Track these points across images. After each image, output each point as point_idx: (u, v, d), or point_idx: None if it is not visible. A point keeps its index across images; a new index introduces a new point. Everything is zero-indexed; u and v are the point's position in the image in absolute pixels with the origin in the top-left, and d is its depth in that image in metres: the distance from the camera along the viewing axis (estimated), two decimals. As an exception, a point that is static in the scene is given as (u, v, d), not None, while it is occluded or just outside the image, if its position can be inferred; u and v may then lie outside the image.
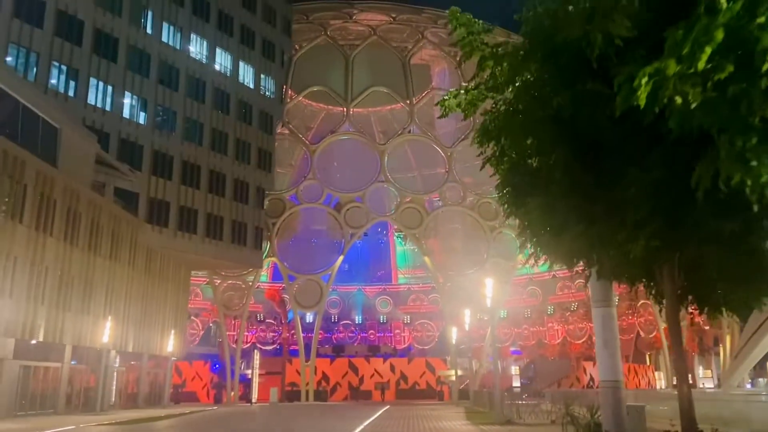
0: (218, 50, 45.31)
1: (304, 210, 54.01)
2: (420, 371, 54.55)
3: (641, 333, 54.26)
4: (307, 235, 56.73)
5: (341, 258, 53.01)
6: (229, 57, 46.09)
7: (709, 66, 4.22)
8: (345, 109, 56.27)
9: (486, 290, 21.28)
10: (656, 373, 57.06)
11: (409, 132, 57.18)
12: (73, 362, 30.59)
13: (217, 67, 44.93)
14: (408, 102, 57.40)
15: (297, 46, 56.39)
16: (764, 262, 6.77)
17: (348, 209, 53.33)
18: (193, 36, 43.46)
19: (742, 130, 4.53)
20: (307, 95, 57.36)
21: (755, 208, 4.84)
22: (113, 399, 34.35)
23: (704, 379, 54.69)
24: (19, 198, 25.75)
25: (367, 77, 57.71)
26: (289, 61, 54.82)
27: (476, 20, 7.54)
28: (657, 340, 53.25)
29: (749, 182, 4.72)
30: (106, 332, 30.67)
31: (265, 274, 57.05)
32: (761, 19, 4.03)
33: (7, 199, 24.83)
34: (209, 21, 44.74)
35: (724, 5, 3.99)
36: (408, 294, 64.38)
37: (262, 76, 48.93)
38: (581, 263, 8.26)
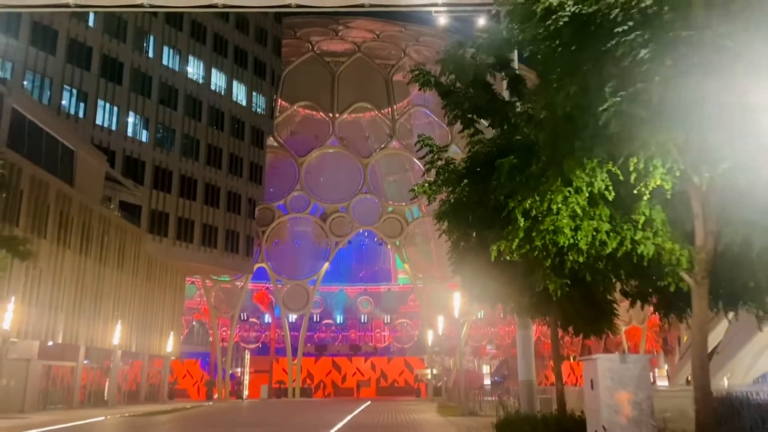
0: (214, 71, 48.63)
1: (292, 219, 57.52)
2: (399, 370, 58.38)
3: (610, 335, 58.65)
4: (295, 243, 60.21)
5: (327, 264, 56.63)
6: (224, 77, 49.43)
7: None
8: (331, 123, 59.83)
9: (454, 303, 25.14)
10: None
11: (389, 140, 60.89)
12: (85, 362, 33.87)
13: (212, 86, 48.24)
14: (390, 118, 61.14)
15: (286, 61, 59.80)
16: (603, 310, 10.65)
17: (333, 218, 57.00)
18: (190, 58, 46.73)
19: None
20: (296, 101, 60.68)
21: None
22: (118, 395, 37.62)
23: (660, 377, 59.23)
24: (43, 216, 29.03)
25: (353, 92, 61.31)
26: (278, 78, 58.22)
27: (435, 144, 11.24)
28: (626, 339, 57.70)
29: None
30: (116, 334, 33.95)
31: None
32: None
33: (33, 218, 28.10)
34: (206, 43, 48.02)
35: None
36: (390, 294, 67.82)
37: (254, 93, 52.34)
38: (500, 305, 12.25)
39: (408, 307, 65.83)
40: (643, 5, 4.59)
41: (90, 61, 38.90)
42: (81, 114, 38.22)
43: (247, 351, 53.25)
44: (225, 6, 15.25)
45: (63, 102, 37.39)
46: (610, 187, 5.86)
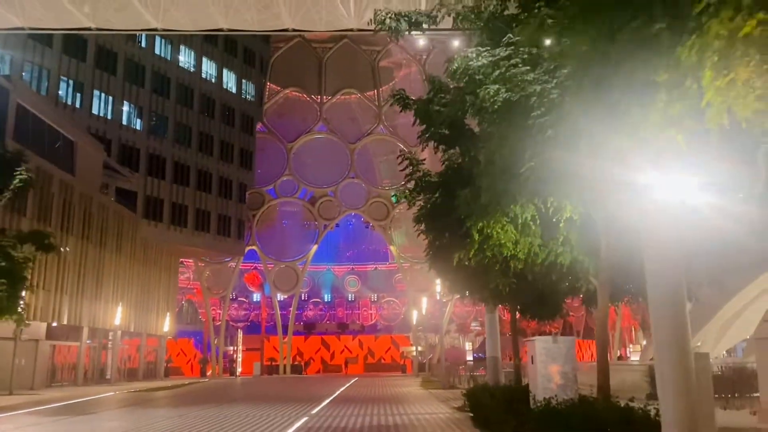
0: (204, 59, 49.88)
1: (282, 203, 59.36)
2: (386, 347, 60.92)
3: (592, 311, 61.22)
4: (284, 226, 62.12)
5: (315, 246, 58.70)
6: (214, 65, 50.71)
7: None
8: (318, 108, 61.39)
9: (435, 286, 27.39)
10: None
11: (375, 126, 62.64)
12: (88, 341, 35.80)
13: (203, 75, 49.55)
14: (377, 102, 62.79)
15: (274, 47, 61.03)
16: (550, 299, 12.92)
17: (321, 202, 58.93)
18: (182, 47, 47.93)
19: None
20: (284, 86, 62.03)
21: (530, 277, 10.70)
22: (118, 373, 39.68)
23: (634, 352, 62.40)
24: (48, 206, 30.68)
25: (340, 77, 62.80)
26: (267, 65, 59.52)
27: (415, 158, 13.17)
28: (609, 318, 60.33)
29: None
30: (117, 315, 35.84)
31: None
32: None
33: (39, 209, 29.75)
34: (196, 32, 49.17)
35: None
36: (376, 274, 69.90)
37: (244, 81, 53.70)
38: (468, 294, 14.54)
39: (395, 286, 68.17)
40: (552, 96, 6.56)
41: (85, 53, 40.09)
42: (78, 104, 39.55)
43: (239, 330, 55.39)
44: (230, 30, 16.85)
45: (60, 92, 38.69)
46: (536, 217, 7.90)
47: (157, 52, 45.61)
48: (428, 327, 59.27)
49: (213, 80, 50.36)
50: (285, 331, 57.53)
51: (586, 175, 6.24)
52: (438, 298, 28.47)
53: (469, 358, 57.81)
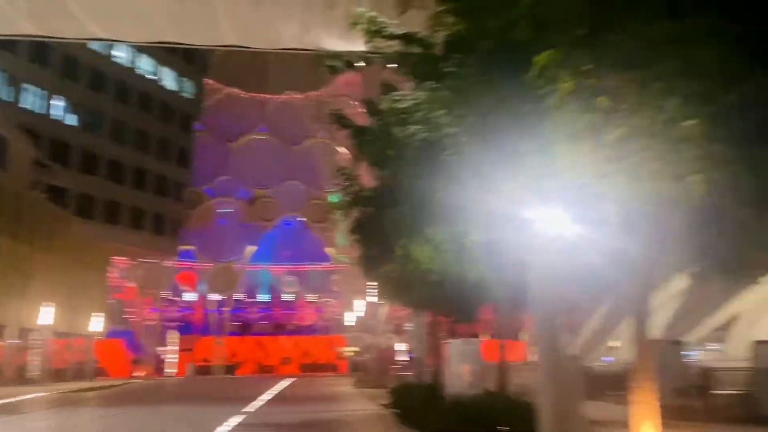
0: (142, 56, 49.20)
1: (220, 203, 59.14)
2: (322, 347, 61.52)
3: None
4: (222, 225, 61.81)
5: (254, 248, 58.82)
6: (153, 62, 50.09)
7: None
8: (260, 108, 61.56)
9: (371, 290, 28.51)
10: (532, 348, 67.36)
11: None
12: (14, 341, 34.89)
13: (141, 71, 48.89)
14: (318, 104, 63.48)
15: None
16: (464, 307, 14.33)
17: (260, 203, 59.13)
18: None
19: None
20: (225, 84, 61.86)
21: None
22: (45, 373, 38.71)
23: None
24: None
25: (283, 77, 63.03)
26: (208, 62, 59.16)
27: (350, 173, 14.25)
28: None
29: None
30: (45, 314, 35.09)
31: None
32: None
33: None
34: (135, 28, 48.48)
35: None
36: (314, 275, 70.34)
37: (183, 78, 53.25)
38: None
39: (333, 287, 68.82)
40: (462, 139, 7.82)
41: (17, 46, 38.96)
42: (8, 98, 38.42)
43: (171, 330, 54.82)
44: (176, 43, 17.34)
45: (-11, 85, 37.52)
46: (447, 240, 9.20)
47: (92, 46, 44.69)
48: (364, 328, 60.38)
49: (151, 77, 49.74)
50: (220, 332, 57.33)
51: (483, 210, 7.49)
52: (374, 300, 29.67)
53: (405, 358, 59.19)
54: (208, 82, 59.74)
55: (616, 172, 4.76)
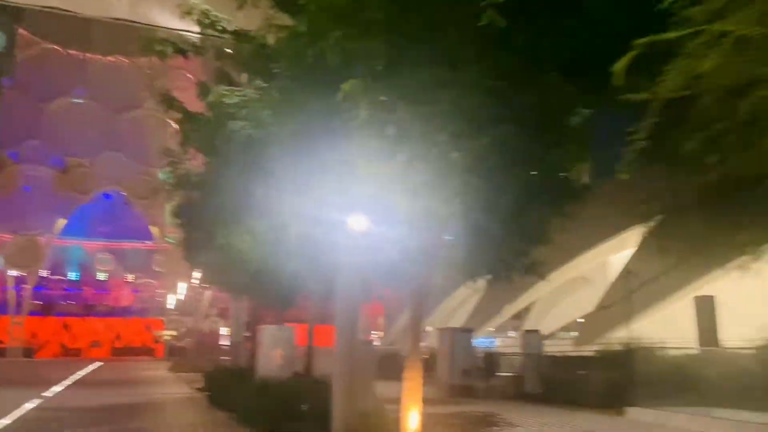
0: (-61, -9, 42.47)
1: (27, 169, 53.11)
2: (137, 330, 58.31)
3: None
4: (27, 194, 55.54)
5: (64, 220, 53.80)
6: (-48, 1, 43.46)
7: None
8: (82, 68, 56.19)
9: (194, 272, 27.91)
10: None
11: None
12: None
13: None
14: (149, 74, 59.54)
15: (32, -6, 54.15)
16: (283, 294, 15.16)
17: (76, 173, 54.16)
18: None
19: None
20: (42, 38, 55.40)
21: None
22: None
23: (377, 338, 69.05)
24: None
25: (110, 37, 57.93)
26: (21, 10, 52.58)
27: (179, 159, 14.06)
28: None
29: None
30: None
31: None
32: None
33: None
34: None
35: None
36: (134, 253, 66.10)
37: (-10, 25, 46.95)
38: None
39: (154, 268, 65.28)
40: (283, 141, 8.48)
41: None
42: None
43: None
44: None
45: None
46: (266, 231, 9.87)
47: None
48: (185, 311, 58.27)
49: (-52, 18, 43.15)
50: (19, 311, 51.78)
51: (299, 208, 8.19)
52: (197, 283, 29.11)
53: (227, 343, 58.32)
54: (22, 33, 53.04)
55: (402, 189, 5.71)
